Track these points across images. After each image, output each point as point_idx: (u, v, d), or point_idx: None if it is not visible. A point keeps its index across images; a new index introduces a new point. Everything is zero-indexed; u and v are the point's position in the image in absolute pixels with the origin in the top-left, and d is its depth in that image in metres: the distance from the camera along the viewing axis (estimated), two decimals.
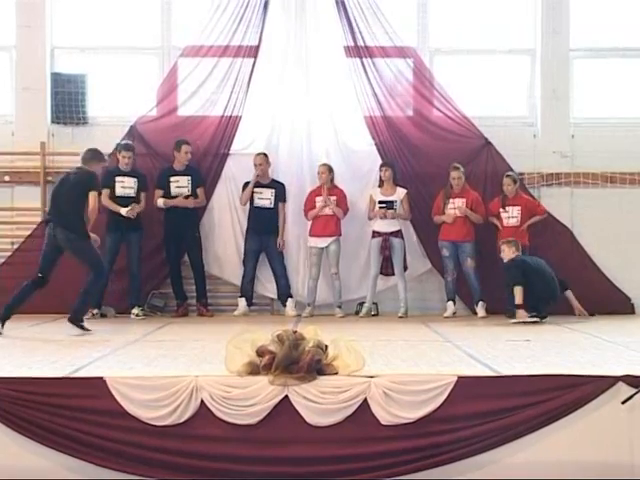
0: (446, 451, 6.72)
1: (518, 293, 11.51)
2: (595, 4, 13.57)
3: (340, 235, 12.86)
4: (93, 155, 10.73)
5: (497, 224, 12.59)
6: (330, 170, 12.88)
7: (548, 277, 11.74)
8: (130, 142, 12.81)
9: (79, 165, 10.74)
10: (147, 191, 12.78)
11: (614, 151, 13.15)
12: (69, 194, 10.42)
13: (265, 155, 13.00)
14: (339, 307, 12.86)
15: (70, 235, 10.28)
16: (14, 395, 6.80)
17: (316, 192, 12.91)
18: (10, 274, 12.77)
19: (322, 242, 12.83)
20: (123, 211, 12.32)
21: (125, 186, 12.63)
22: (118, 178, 12.59)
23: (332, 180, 12.90)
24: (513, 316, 11.79)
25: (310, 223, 12.96)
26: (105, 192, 12.41)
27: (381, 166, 12.92)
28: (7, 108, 13.51)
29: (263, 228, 12.93)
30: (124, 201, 12.49)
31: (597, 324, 11.43)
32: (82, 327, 10.33)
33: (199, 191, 12.92)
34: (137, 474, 6.72)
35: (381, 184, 12.91)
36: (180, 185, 12.80)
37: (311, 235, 12.93)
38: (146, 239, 12.74)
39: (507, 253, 11.88)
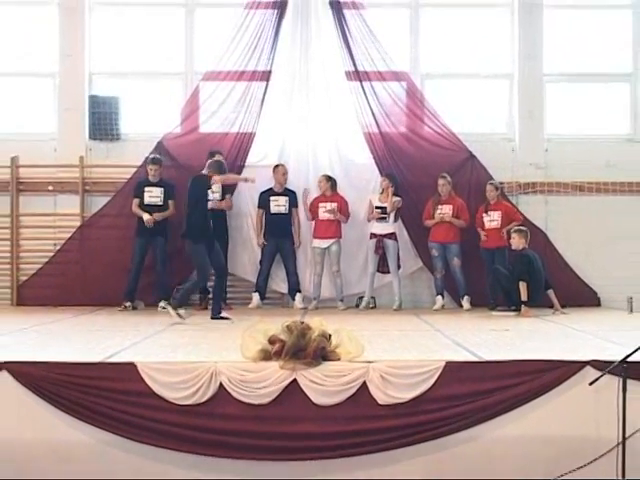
0: (436, 427, 6.74)
1: (523, 289, 11.40)
2: (566, 34, 13.55)
3: (340, 237, 12.84)
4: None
5: (481, 233, 12.56)
6: (328, 180, 12.87)
7: (541, 276, 11.71)
8: (157, 155, 12.79)
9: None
10: (174, 199, 12.67)
11: (583, 163, 13.17)
12: None
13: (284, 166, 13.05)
14: (341, 301, 12.82)
15: None
16: (58, 378, 6.84)
17: (319, 199, 12.90)
18: (53, 272, 12.90)
19: (324, 243, 12.81)
20: (145, 217, 12.34)
21: (153, 195, 12.60)
22: (147, 188, 12.59)
23: (333, 188, 12.91)
24: (495, 308, 11.82)
25: (313, 226, 12.96)
26: (135, 201, 12.49)
27: (384, 176, 12.86)
28: (51, 127, 13.49)
29: (279, 232, 12.88)
30: (152, 209, 12.47)
31: (568, 315, 11.41)
32: (224, 318, 10.57)
33: (227, 197, 12.86)
34: (164, 447, 6.74)
35: (382, 191, 12.88)
36: (213, 191, 12.72)
37: (314, 237, 12.93)
38: (172, 240, 12.63)
39: (517, 242, 11.68)
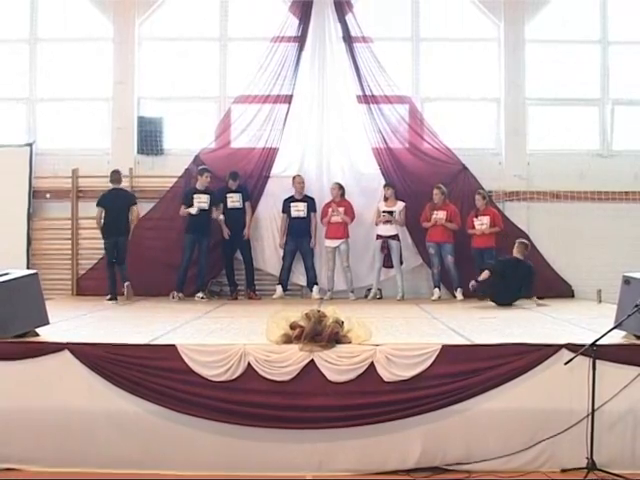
0: (433, 401, 6.74)
1: (484, 275, 11.18)
2: (545, 65, 13.56)
3: (348, 237, 12.79)
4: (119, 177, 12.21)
5: (473, 232, 12.52)
6: (340, 187, 12.85)
7: (513, 283, 11.12)
8: (206, 166, 12.81)
9: (117, 186, 12.16)
10: (218, 205, 12.69)
11: (560, 175, 13.19)
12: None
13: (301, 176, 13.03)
14: (351, 292, 12.80)
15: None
16: (111, 357, 6.88)
17: (328, 205, 12.88)
18: (104, 266, 12.90)
19: (334, 243, 12.78)
20: (194, 210, 12.36)
21: (201, 201, 12.54)
22: (195, 195, 12.54)
23: (342, 195, 12.88)
24: (484, 298, 11.75)
25: (325, 228, 12.92)
26: (182, 207, 12.52)
27: (384, 186, 12.90)
28: (106, 143, 13.56)
29: (298, 233, 12.85)
30: (200, 213, 12.41)
31: (546, 305, 11.29)
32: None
33: (247, 204, 12.93)
34: (200, 416, 6.76)
35: (385, 199, 12.87)
36: (234, 200, 12.82)
37: (326, 237, 12.91)
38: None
39: (515, 251, 11.49)
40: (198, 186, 12.57)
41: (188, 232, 12.46)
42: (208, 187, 12.61)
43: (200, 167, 12.75)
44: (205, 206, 12.49)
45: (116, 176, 12.31)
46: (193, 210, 12.32)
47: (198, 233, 12.40)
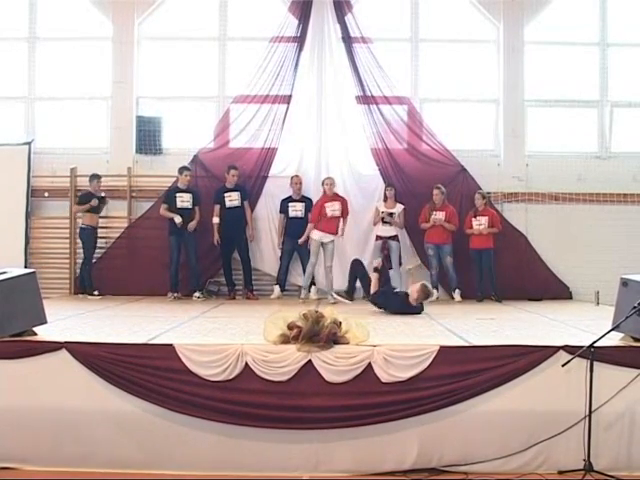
0: (431, 402, 6.72)
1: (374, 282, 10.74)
2: (543, 66, 13.58)
3: (340, 235, 12.50)
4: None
5: (471, 232, 12.52)
6: (334, 183, 12.64)
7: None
8: (187, 165, 12.83)
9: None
10: (200, 205, 12.72)
11: (558, 176, 13.22)
12: None
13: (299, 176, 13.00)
14: (331, 295, 12.19)
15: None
16: (109, 356, 6.85)
17: (324, 199, 12.55)
18: (105, 265, 12.97)
19: (325, 237, 12.35)
20: (177, 219, 12.34)
21: (183, 200, 12.57)
22: (178, 194, 12.54)
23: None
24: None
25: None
26: (164, 206, 12.52)
27: (387, 186, 12.89)
28: (104, 142, 13.59)
29: (296, 233, 12.74)
30: (183, 212, 12.43)
31: (543, 307, 11.36)
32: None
33: (245, 203, 12.93)
34: (197, 416, 6.74)
35: (385, 199, 12.87)
36: (232, 198, 12.81)
37: (317, 230, 12.36)
38: (204, 240, 12.71)
39: (413, 290, 10.09)
40: (180, 185, 12.59)
41: (172, 234, 12.47)
42: (190, 186, 12.64)
43: (180, 166, 12.75)
44: (188, 205, 12.50)
45: (91, 179, 12.75)
46: (177, 219, 12.32)
47: (182, 234, 12.40)
